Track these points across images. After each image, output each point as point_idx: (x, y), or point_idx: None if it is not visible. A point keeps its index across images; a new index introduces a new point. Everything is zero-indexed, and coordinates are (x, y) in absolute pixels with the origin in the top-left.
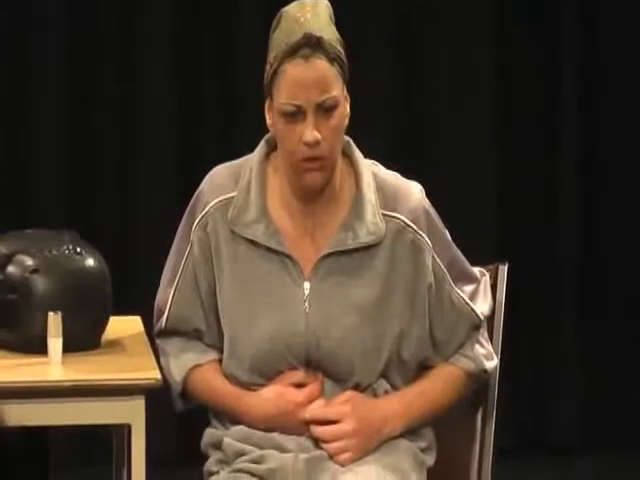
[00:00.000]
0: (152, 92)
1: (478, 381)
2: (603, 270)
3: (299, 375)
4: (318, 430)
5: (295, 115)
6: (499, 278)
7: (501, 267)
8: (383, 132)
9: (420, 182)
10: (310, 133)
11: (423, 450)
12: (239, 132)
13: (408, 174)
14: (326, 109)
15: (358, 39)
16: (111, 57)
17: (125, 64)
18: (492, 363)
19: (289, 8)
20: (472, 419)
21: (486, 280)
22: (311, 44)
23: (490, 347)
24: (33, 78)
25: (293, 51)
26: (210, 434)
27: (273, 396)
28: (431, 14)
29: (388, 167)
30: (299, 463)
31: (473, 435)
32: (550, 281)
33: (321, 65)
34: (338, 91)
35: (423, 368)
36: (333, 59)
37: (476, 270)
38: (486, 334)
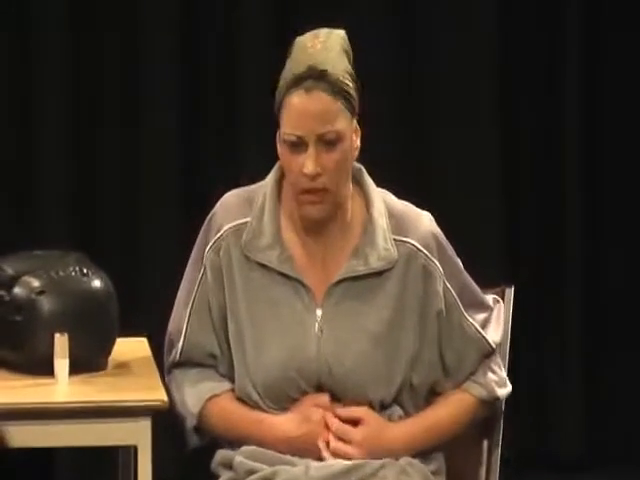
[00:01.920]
0: (154, 109)
1: (490, 408)
2: (608, 285)
3: (324, 398)
4: (333, 443)
5: (297, 146)
6: (505, 300)
7: (507, 290)
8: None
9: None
10: (309, 165)
11: (433, 473)
12: (243, 152)
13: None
14: (328, 142)
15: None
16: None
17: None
18: (504, 390)
19: (303, 37)
20: (479, 442)
21: (500, 307)
22: (314, 76)
23: (503, 374)
24: (34, 87)
25: (297, 82)
26: (221, 454)
27: (298, 417)
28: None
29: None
30: (311, 470)
31: (480, 454)
32: (555, 303)
33: (323, 98)
34: (343, 125)
35: (434, 395)
36: (337, 92)
37: (489, 297)
38: (499, 360)
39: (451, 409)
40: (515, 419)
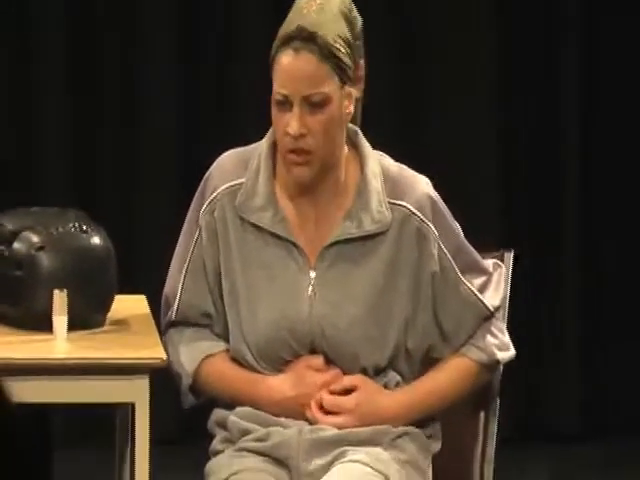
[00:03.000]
0: (153, 74)
1: (490, 372)
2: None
3: (319, 360)
4: (321, 418)
5: (284, 104)
6: (505, 265)
7: (507, 254)
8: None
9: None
10: (293, 124)
11: (429, 437)
12: (241, 116)
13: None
14: (313, 104)
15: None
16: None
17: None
18: (506, 354)
19: None
20: (476, 409)
21: (500, 272)
22: (302, 37)
23: (505, 338)
24: (34, 73)
25: (286, 42)
26: (217, 413)
27: (292, 378)
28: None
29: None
30: (304, 434)
31: (477, 424)
32: (552, 271)
33: (310, 59)
34: (330, 88)
35: (432, 361)
36: (326, 56)
37: (490, 262)
38: (500, 325)
39: (450, 374)
40: (510, 388)
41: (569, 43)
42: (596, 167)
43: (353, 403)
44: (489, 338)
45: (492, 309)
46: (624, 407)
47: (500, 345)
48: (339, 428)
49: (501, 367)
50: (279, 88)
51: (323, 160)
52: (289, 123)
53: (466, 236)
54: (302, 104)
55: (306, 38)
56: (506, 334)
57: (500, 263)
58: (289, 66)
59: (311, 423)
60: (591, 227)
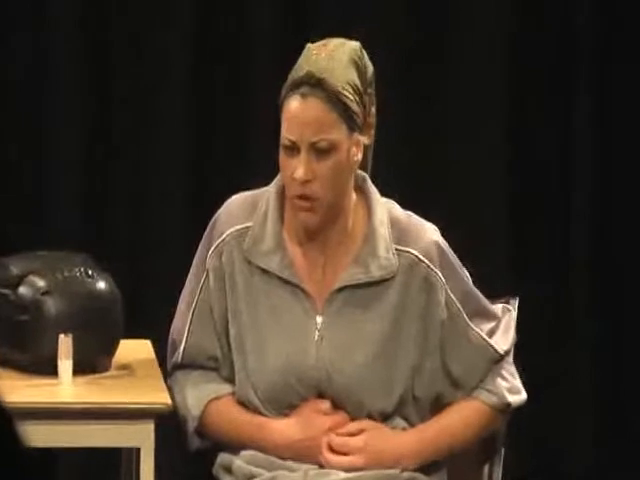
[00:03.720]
0: (163, 114)
1: (502, 415)
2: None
3: (325, 404)
4: (331, 459)
5: (291, 150)
6: (506, 303)
7: (512, 301)
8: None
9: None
10: (299, 170)
11: None
12: (251, 161)
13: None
14: (320, 150)
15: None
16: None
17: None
18: (517, 397)
19: (313, 44)
20: (481, 458)
21: (510, 316)
22: (310, 83)
23: (516, 381)
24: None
25: (294, 87)
26: (222, 457)
27: (300, 421)
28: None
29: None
30: (310, 478)
31: (481, 473)
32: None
33: (318, 106)
34: (337, 136)
35: (443, 407)
36: (334, 102)
37: (499, 307)
38: (511, 368)
39: (460, 416)
40: (517, 435)
41: (581, 90)
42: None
43: (362, 443)
44: (500, 381)
45: (502, 352)
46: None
47: (511, 388)
48: (348, 469)
49: (511, 412)
50: (287, 133)
51: (329, 206)
52: (296, 168)
53: (474, 282)
54: (309, 150)
55: (314, 84)
56: (517, 378)
57: (509, 307)
58: (296, 111)
59: (320, 467)
60: (604, 270)
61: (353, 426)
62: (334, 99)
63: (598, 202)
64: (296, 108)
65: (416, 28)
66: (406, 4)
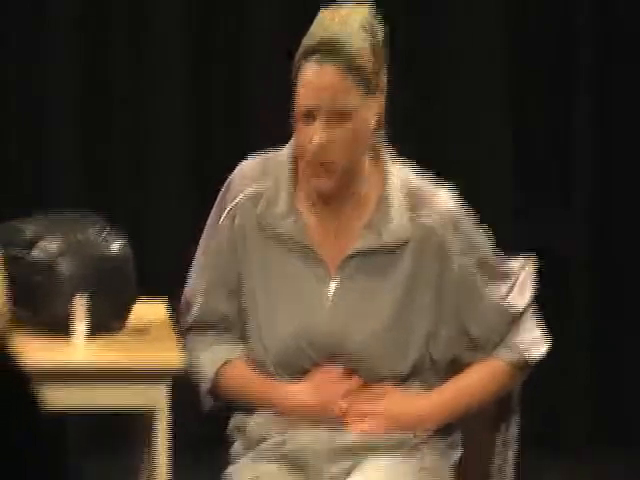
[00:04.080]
0: (165, 86)
1: (521, 372)
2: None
3: (338, 370)
4: (351, 424)
5: (307, 117)
6: (524, 261)
7: (528, 259)
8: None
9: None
10: (316, 137)
11: (449, 446)
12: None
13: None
14: (336, 117)
15: None
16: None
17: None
18: (536, 351)
19: (325, 10)
20: (497, 419)
21: (527, 272)
22: (325, 50)
23: (535, 333)
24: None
25: (309, 54)
26: (236, 418)
27: (312, 386)
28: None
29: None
30: (323, 440)
31: (497, 434)
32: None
33: (334, 72)
34: (354, 100)
35: (463, 367)
36: (349, 68)
37: (517, 263)
38: (529, 324)
39: (481, 375)
40: (530, 398)
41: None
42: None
43: (381, 408)
44: (519, 339)
45: (520, 310)
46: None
47: (530, 343)
48: (368, 433)
49: (533, 366)
50: (303, 100)
51: (345, 172)
52: (312, 135)
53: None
54: (326, 116)
55: (329, 50)
56: (537, 330)
57: (528, 262)
58: (313, 78)
59: (331, 429)
60: (610, 245)
61: (372, 391)
62: (350, 64)
63: (598, 202)
64: (312, 75)
65: (416, 30)
66: (406, 6)
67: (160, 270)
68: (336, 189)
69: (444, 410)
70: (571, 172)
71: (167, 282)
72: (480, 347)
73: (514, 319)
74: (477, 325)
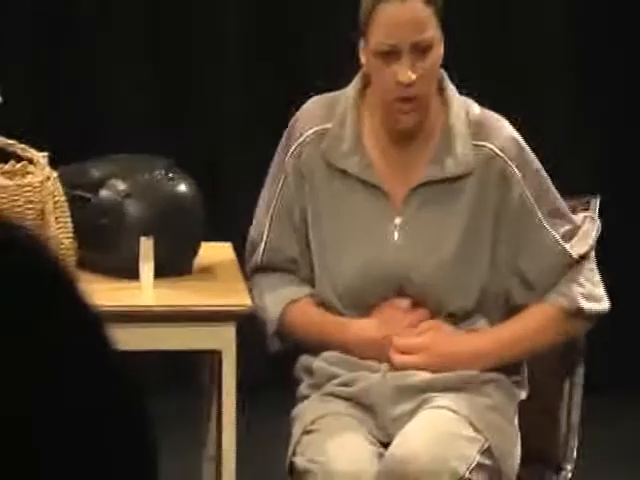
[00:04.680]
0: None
1: (577, 321)
2: None
3: (406, 302)
4: (396, 358)
5: (390, 55)
6: (590, 212)
7: (593, 201)
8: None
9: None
10: (405, 73)
11: (516, 383)
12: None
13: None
14: (421, 50)
15: None
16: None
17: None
18: (594, 305)
19: None
20: (563, 358)
21: (593, 224)
22: None
23: (595, 289)
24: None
25: None
26: (303, 359)
27: (380, 320)
28: None
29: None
30: (389, 379)
31: (564, 373)
32: None
33: (417, 5)
34: (434, 32)
35: (517, 309)
36: (429, 1)
37: (582, 216)
38: (589, 274)
39: (528, 321)
40: (599, 337)
41: None
42: None
43: (427, 342)
44: (574, 286)
45: (576, 256)
46: None
47: (587, 295)
48: (415, 368)
49: (592, 320)
50: (385, 39)
51: (426, 105)
52: (399, 72)
53: (553, 182)
54: (411, 51)
55: None
56: (598, 286)
57: (594, 216)
58: (397, 15)
59: (396, 369)
60: None
61: (423, 326)
62: None
63: None
64: (395, 11)
65: None
66: None
67: (227, 212)
68: (418, 123)
69: (499, 350)
70: None
71: (234, 223)
72: (530, 287)
73: (570, 264)
74: (531, 263)
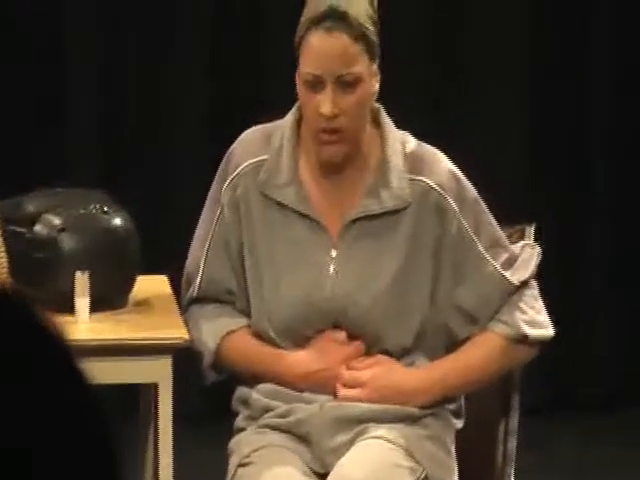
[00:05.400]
0: (183, 55)
1: (521, 348)
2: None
3: (342, 335)
4: (339, 390)
5: (315, 85)
6: (526, 240)
7: (528, 228)
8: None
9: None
10: (327, 105)
11: (452, 412)
12: (270, 95)
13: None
14: (347, 84)
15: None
16: (137, 25)
17: (152, 31)
18: (538, 331)
19: None
20: (499, 383)
21: (533, 252)
22: (335, 17)
23: (538, 316)
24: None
25: (317, 22)
26: (239, 391)
27: (316, 352)
28: None
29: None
30: (326, 410)
31: (500, 398)
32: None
33: (343, 39)
34: (361, 68)
35: (461, 343)
36: (358, 36)
37: (521, 244)
38: (532, 302)
39: (474, 351)
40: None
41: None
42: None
43: (368, 376)
44: (516, 313)
45: (517, 284)
46: None
47: (530, 321)
48: (359, 402)
49: (536, 347)
50: (311, 69)
51: (353, 138)
52: (322, 103)
53: (490, 209)
54: (335, 84)
55: (338, 17)
56: (542, 313)
57: (533, 245)
58: (322, 46)
59: (336, 398)
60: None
61: (365, 360)
62: (358, 31)
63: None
64: (321, 42)
65: None
66: None
67: (162, 245)
68: (345, 156)
69: (435, 386)
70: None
71: (169, 256)
72: (474, 319)
73: (512, 292)
74: (472, 294)
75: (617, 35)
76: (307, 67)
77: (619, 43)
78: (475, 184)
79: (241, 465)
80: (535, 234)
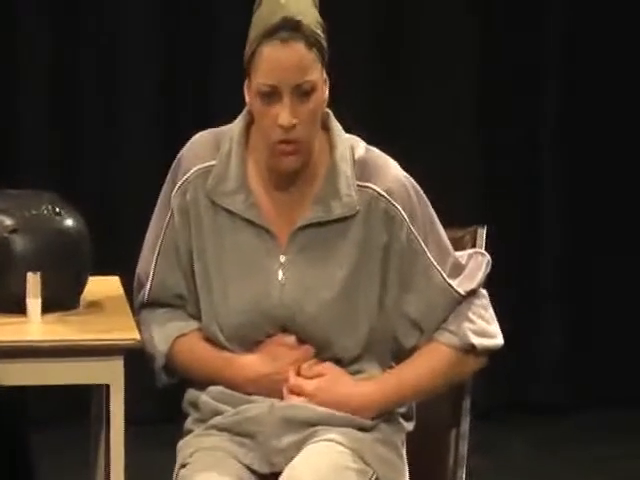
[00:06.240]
0: (136, 57)
1: (469, 358)
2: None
3: (291, 339)
4: (287, 397)
5: (271, 96)
6: (477, 242)
7: (480, 230)
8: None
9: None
10: (285, 116)
11: (403, 416)
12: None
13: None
14: (303, 93)
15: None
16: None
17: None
18: (486, 340)
19: None
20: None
21: (482, 260)
22: (289, 27)
23: (487, 326)
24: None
25: (271, 33)
26: (189, 393)
27: (266, 355)
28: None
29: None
30: (276, 410)
31: (451, 401)
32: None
33: (299, 49)
34: (316, 75)
35: (409, 352)
36: (312, 44)
37: (470, 251)
38: (480, 311)
39: (421, 362)
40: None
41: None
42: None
43: (312, 388)
44: (464, 323)
45: (463, 293)
46: (610, 377)
47: (478, 330)
48: (297, 405)
49: (485, 357)
50: (266, 80)
51: (309, 147)
52: (279, 114)
53: (438, 213)
54: (292, 94)
55: (293, 27)
56: (491, 322)
57: (483, 252)
58: (278, 57)
59: (282, 402)
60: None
61: (314, 367)
62: (312, 40)
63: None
64: (277, 53)
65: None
66: None
67: (114, 245)
68: (300, 165)
69: (385, 399)
70: None
71: (121, 257)
72: (419, 327)
73: (459, 302)
74: (419, 302)
75: (569, 33)
76: (262, 78)
77: (570, 40)
78: (425, 189)
79: (182, 466)
80: (487, 235)
